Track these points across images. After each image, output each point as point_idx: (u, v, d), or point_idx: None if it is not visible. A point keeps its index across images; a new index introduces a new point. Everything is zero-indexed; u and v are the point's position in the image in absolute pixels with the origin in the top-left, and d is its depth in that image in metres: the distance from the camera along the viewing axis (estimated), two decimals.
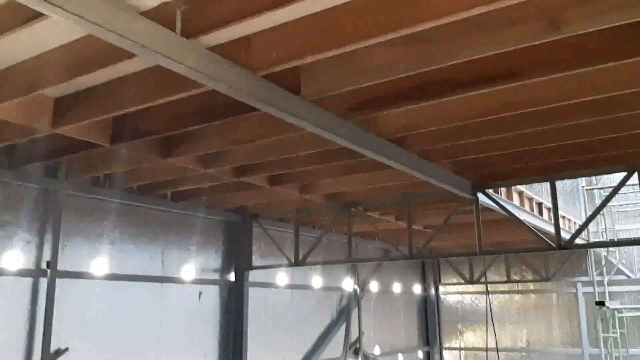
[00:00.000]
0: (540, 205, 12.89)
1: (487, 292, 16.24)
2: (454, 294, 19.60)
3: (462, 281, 19.16)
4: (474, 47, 4.21)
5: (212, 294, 11.01)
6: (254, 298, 11.68)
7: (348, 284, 15.17)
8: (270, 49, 4.30)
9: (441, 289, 19.78)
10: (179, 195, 10.10)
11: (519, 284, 18.56)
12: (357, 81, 4.91)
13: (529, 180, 8.78)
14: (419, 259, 9.35)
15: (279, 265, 11.27)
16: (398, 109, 5.61)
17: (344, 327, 14.74)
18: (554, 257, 17.66)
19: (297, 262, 10.61)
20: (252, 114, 5.52)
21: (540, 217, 12.53)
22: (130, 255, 9.52)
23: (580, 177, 8.98)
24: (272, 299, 12.42)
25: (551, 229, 11.48)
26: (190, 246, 10.60)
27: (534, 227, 9.88)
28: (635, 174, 7.62)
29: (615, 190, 7.81)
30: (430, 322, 19.34)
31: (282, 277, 12.68)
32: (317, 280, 13.85)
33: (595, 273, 17.28)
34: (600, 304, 16.41)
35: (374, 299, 16.35)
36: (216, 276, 11.15)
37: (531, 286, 18.39)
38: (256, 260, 11.92)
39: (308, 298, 13.57)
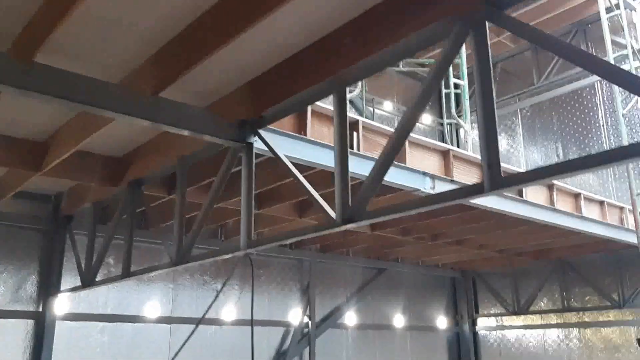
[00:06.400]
0: None
1: None
2: (494, 329, 14.30)
3: (504, 311, 13.95)
4: None
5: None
6: (84, 338, 8.05)
7: (295, 315, 10.94)
8: None
9: (479, 322, 14.58)
10: None
11: (583, 313, 12.98)
12: None
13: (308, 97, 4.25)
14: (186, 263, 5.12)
15: (72, 289, 7.48)
16: None
17: None
18: (630, 273, 12.07)
19: (89, 281, 6.84)
20: None
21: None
22: None
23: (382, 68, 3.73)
24: (126, 339, 8.60)
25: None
26: None
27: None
28: None
29: None
30: None
31: (153, 306, 8.95)
32: (229, 311, 9.85)
33: None
34: None
35: (350, 337, 11.85)
36: (16, 306, 7.67)
37: (600, 317, 12.72)
38: None
39: (206, 338, 9.56)
